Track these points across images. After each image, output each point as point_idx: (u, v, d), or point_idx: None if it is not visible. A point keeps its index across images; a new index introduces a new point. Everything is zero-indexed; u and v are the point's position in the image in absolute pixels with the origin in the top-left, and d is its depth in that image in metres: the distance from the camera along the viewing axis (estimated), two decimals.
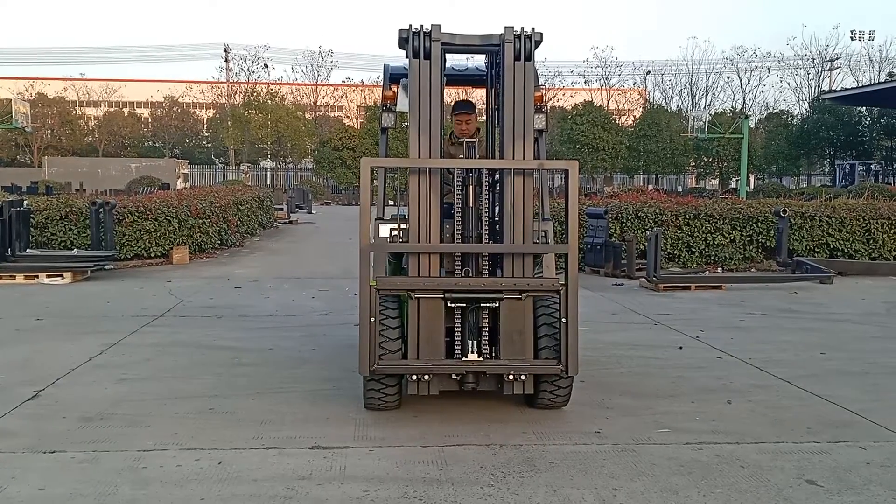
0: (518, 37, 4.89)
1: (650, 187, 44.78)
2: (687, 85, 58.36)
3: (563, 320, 4.56)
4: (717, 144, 45.29)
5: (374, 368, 4.57)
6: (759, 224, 13.07)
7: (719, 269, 12.81)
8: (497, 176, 5.06)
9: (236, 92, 59.16)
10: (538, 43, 4.93)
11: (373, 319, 4.54)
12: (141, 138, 62.08)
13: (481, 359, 4.65)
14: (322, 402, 5.25)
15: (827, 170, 52.21)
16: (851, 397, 5.47)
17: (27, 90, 56.75)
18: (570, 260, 4.60)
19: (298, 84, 62.01)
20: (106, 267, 11.95)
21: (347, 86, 62.97)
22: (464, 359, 4.66)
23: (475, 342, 4.70)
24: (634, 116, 55.44)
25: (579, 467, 4.12)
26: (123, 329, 7.62)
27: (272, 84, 57.90)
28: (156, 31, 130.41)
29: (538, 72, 5.77)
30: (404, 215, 5.05)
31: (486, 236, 4.86)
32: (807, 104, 53.21)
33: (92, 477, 3.94)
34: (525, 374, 4.70)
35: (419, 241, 4.77)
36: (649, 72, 60.58)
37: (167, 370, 6.10)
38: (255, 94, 53.91)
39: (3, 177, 40.81)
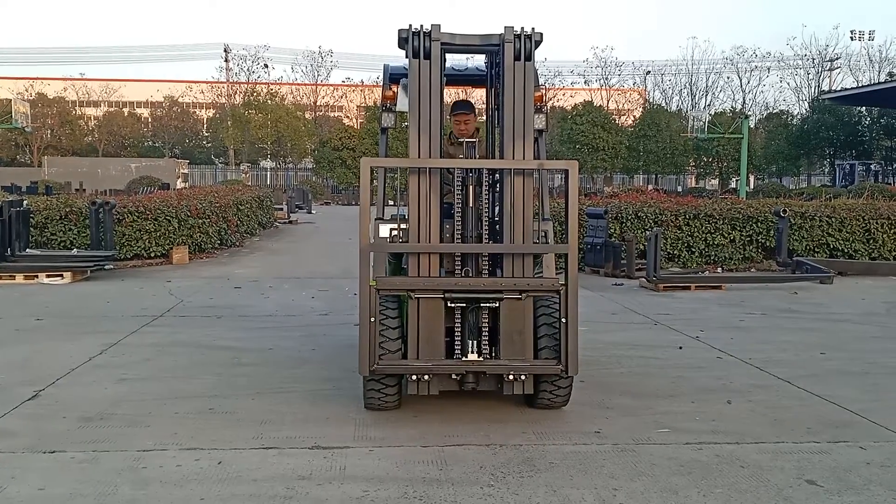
0: (518, 37, 4.89)
1: (650, 187, 44.78)
2: (687, 85, 58.45)
3: (563, 320, 4.56)
4: (716, 144, 45.30)
5: (373, 368, 4.57)
6: (759, 224, 13.07)
7: (719, 269, 12.81)
8: (497, 176, 5.06)
9: (236, 92, 59.18)
10: (538, 43, 4.93)
11: (373, 319, 4.53)
12: (141, 138, 62.10)
13: (481, 359, 4.65)
14: (322, 402, 5.25)
15: (827, 170, 52.22)
16: (851, 397, 5.47)
17: (27, 90, 56.76)
18: (570, 260, 4.60)
19: (298, 84, 62.04)
20: (106, 267, 11.94)
21: (347, 86, 62.97)
22: (464, 359, 4.66)
23: (475, 342, 4.69)
24: (634, 116, 55.45)
25: (579, 467, 4.12)
26: (123, 329, 7.62)
27: (272, 84, 57.94)
28: (156, 31, 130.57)
29: (538, 72, 5.76)
30: (404, 215, 5.05)
31: (486, 236, 4.86)
32: (807, 104, 53.25)
33: (92, 477, 3.94)
34: (525, 374, 4.70)
35: (419, 241, 4.77)
36: (649, 72, 60.67)
37: (167, 370, 6.10)
38: (254, 94, 53.94)
39: (3, 177, 40.79)
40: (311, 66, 61.47)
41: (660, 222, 12.74)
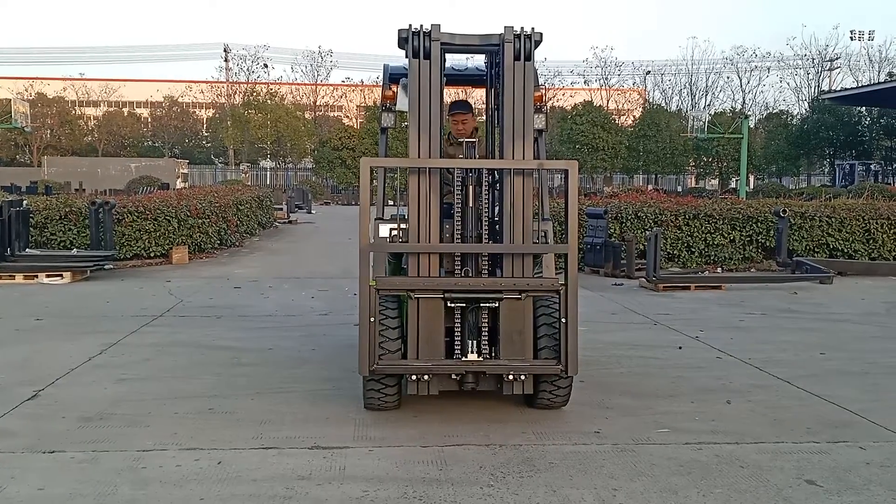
0: (518, 37, 4.89)
1: (650, 187, 44.78)
2: (687, 85, 58.45)
3: (563, 320, 4.56)
4: (716, 144, 45.31)
5: (373, 368, 4.57)
6: (759, 224, 13.07)
7: (719, 269, 12.81)
8: (497, 176, 5.06)
9: (236, 92, 59.17)
10: (538, 43, 4.93)
11: (372, 319, 4.53)
12: (140, 138, 62.12)
13: (481, 359, 4.65)
14: (322, 402, 5.25)
15: (827, 170, 52.25)
16: (851, 397, 5.47)
17: (27, 90, 56.77)
18: (570, 260, 4.60)
19: (298, 84, 62.02)
20: (105, 267, 11.94)
21: (347, 86, 62.97)
22: (463, 359, 4.66)
23: (475, 342, 4.69)
24: (634, 116, 55.47)
25: (579, 467, 4.12)
26: (123, 329, 7.61)
27: (272, 84, 57.93)
28: (156, 31, 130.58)
29: (538, 72, 5.76)
30: (404, 215, 5.05)
31: (486, 236, 4.86)
32: (806, 104, 53.27)
33: (91, 477, 3.94)
34: (525, 374, 4.70)
35: (419, 241, 4.77)
36: (649, 72, 60.68)
37: (167, 370, 6.10)
38: (254, 93, 53.93)
39: (3, 177, 40.80)
40: (311, 65, 61.54)
41: (659, 222, 12.74)
